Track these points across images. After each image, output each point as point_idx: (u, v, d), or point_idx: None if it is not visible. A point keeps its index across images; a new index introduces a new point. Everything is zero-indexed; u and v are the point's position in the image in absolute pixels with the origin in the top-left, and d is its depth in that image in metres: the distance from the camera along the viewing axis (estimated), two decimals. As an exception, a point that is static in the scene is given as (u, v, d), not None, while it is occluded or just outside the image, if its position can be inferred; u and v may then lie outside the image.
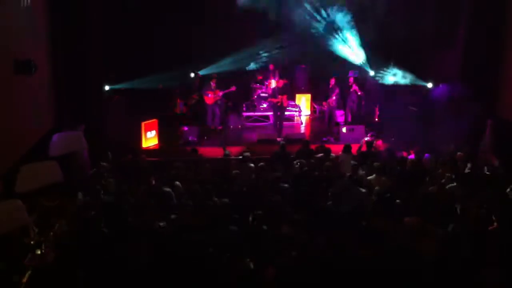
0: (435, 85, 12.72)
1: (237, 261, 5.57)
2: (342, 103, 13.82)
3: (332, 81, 13.26)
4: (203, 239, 6.04)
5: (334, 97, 13.19)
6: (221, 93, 13.22)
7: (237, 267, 5.50)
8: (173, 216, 6.95)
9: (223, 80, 13.53)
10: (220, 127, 13.50)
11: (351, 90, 13.40)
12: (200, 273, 5.44)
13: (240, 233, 6.24)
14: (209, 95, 12.93)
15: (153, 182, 8.40)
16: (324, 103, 13.43)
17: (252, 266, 5.54)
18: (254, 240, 6.05)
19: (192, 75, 14.40)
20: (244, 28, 14.10)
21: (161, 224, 6.64)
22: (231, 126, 13.87)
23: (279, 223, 6.43)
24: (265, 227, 6.38)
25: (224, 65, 14.30)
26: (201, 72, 14.33)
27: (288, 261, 5.55)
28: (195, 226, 6.50)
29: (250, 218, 6.71)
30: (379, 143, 11.11)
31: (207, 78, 13.42)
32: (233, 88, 13.45)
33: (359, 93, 13.66)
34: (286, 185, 8.13)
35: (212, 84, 13.04)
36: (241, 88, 14.19)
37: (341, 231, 6.28)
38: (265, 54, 15.16)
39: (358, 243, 5.91)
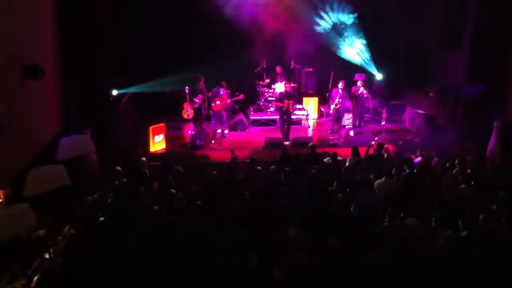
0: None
1: (244, 263, 5.55)
2: (349, 106, 13.76)
3: (341, 84, 13.20)
4: (211, 242, 6.03)
5: (342, 100, 13.14)
6: (229, 101, 13.17)
7: (243, 269, 5.48)
8: (181, 219, 6.93)
9: (229, 81, 13.43)
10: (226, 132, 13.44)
11: (358, 93, 13.34)
12: (207, 275, 5.42)
13: (247, 235, 6.21)
14: (217, 102, 12.84)
15: (159, 185, 8.40)
16: (332, 105, 13.35)
17: (259, 268, 5.52)
18: (262, 242, 6.02)
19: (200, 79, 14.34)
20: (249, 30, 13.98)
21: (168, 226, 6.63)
22: (239, 130, 13.85)
23: (286, 226, 6.40)
24: (272, 230, 6.34)
25: (228, 67, 14.19)
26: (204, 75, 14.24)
27: (295, 264, 5.52)
28: (202, 228, 6.48)
29: (257, 221, 6.68)
30: (390, 147, 11.01)
31: (216, 84, 13.24)
32: (241, 96, 13.32)
33: (366, 96, 13.61)
34: (293, 187, 8.10)
35: (221, 91, 12.93)
36: (248, 91, 14.10)
37: (350, 234, 6.24)
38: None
39: (367, 246, 5.86)
